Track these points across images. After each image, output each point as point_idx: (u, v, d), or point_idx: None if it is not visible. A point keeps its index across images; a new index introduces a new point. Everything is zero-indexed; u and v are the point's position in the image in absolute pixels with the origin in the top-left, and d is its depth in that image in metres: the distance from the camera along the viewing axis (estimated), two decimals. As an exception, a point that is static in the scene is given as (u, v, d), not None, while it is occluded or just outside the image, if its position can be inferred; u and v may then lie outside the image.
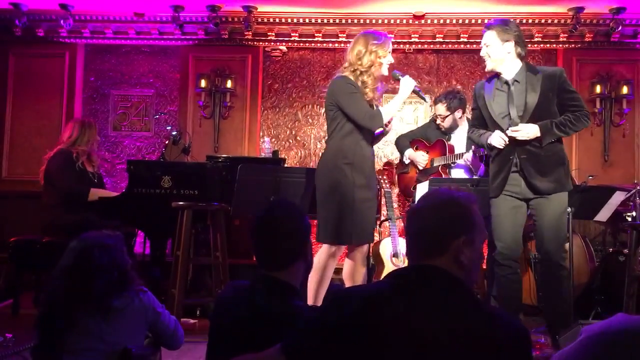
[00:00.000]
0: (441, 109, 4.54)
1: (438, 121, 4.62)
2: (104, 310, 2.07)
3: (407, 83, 3.36)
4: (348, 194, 3.24)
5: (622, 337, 1.36)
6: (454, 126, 4.59)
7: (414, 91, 3.38)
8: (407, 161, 4.80)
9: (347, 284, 3.40)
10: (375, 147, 5.63)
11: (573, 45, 5.61)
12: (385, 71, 3.37)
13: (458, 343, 1.27)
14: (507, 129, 3.26)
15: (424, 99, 3.54)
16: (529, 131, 3.21)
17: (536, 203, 3.31)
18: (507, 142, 3.27)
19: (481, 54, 3.36)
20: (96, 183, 4.65)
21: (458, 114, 4.55)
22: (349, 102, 3.27)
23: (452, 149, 4.58)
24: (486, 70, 3.38)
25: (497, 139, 3.29)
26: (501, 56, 3.27)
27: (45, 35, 5.82)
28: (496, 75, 3.36)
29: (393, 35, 5.58)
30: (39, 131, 5.80)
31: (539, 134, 3.22)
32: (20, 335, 2.92)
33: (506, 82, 3.31)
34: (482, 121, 3.47)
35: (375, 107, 3.37)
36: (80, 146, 4.52)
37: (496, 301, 3.49)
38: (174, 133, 5.02)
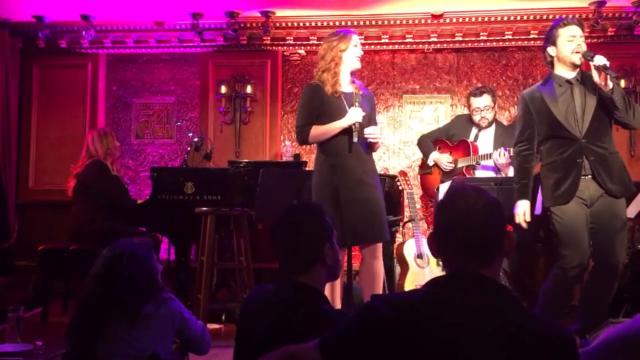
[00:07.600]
0: (487, 99, 4.59)
1: (478, 116, 4.60)
2: (133, 317, 2.09)
3: (352, 114, 3.24)
4: (333, 194, 3.22)
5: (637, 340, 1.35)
6: (491, 122, 4.63)
7: (353, 125, 3.23)
8: (431, 164, 4.77)
9: (364, 288, 3.38)
10: (396, 147, 5.73)
11: (595, 40, 5.51)
12: (351, 64, 3.34)
13: (505, 349, 1.25)
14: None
15: (353, 138, 3.24)
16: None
17: (602, 204, 3.15)
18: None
19: (572, 47, 3.17)
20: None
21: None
22: (297, 113, 3.46)
23: (476, 149, 4.53)
24: (578, 63, 3.19)
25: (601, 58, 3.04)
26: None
27: (68, 47, 5.90)
28: (549, 79, 3.26)
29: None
30: (64, 141, 5.87)
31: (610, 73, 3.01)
32: (50, 342, 2.96)
33: (568, 81, 3.22)
34: (532, 131, 3.28)
35: (345, 103, 3.30)
36: (105, 155, 4.59)
37: (544, 297, 3.30)
38: (195, 139, 5.07)
